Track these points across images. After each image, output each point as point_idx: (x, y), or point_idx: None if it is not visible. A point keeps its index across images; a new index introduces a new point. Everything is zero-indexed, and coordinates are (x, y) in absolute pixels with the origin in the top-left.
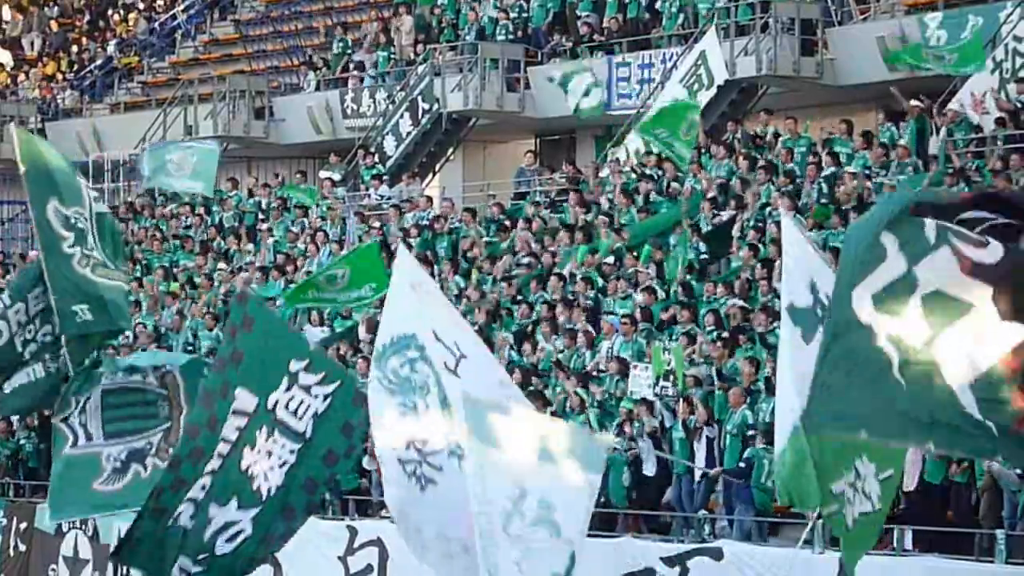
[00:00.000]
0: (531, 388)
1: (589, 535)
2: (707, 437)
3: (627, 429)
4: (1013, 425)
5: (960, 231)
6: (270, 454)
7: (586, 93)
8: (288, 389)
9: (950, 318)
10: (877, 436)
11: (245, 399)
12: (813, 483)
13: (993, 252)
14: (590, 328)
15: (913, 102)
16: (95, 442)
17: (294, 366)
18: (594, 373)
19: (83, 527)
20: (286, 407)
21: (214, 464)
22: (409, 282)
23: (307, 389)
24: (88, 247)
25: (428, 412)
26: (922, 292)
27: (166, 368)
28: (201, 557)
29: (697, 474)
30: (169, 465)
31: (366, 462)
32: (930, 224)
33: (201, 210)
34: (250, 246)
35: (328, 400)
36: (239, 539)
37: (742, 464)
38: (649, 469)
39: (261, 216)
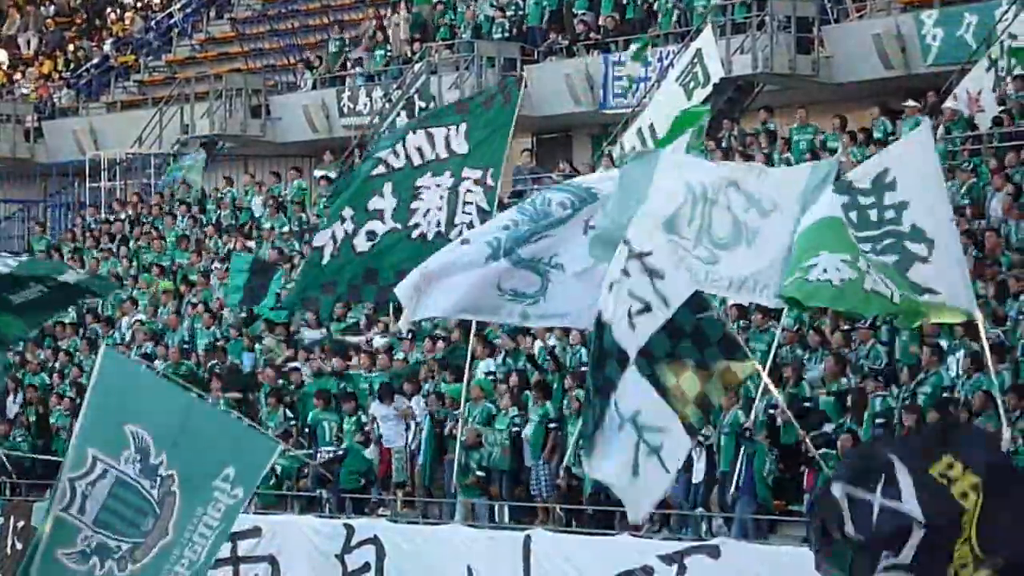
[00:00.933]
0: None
1: (586, 534)
2: (706, 436)
3: None
4: None
5: None
6: (440, 207)
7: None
8: (477, 183)
9: None
10: None
11: (461, 139)
12: None
13: None
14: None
15: (910, 103)
16: (83, 518)
17: (488, 179)
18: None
19: None
20: (466, 192)
21: (411, 152)
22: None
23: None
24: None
25: None
26: None
27: (171, 487)
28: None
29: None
30: None
31: (369, 452)
32: None
33: (196, 208)
34: (251, 243)
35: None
36: (367, 246)
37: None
38: None
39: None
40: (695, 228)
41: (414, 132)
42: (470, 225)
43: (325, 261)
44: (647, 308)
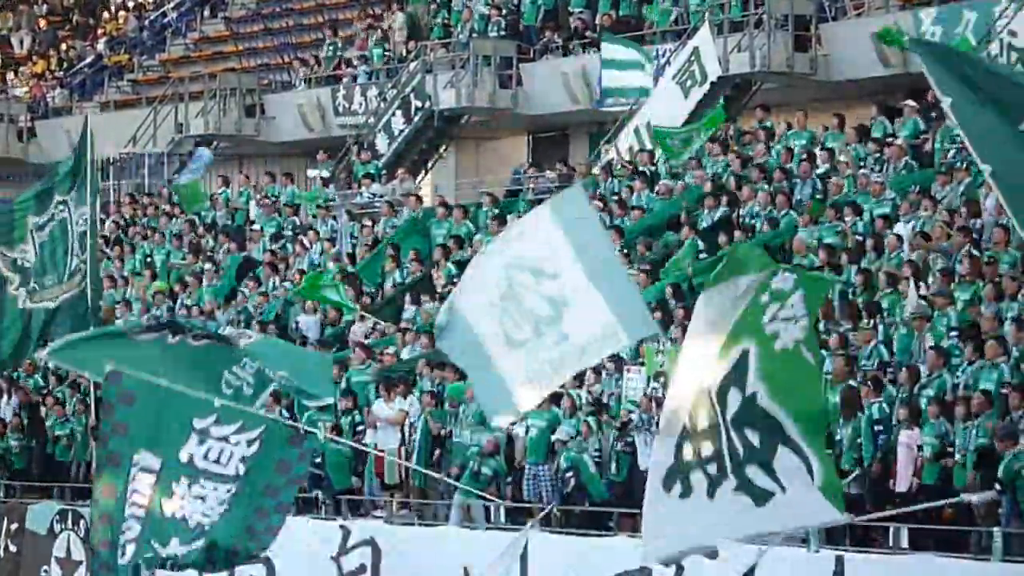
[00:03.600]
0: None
1: (584, 534)
2: None
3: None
4: None
5: None
6: (203, 499)
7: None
8: (201, 443)
9: None
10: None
11: (148, 458)
12: None
13: None
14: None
15: (909, 102)
16: None
17: (199, 423)
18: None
19: (75, 528)
20: (205, 457)
21: (139, 512)
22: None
23: (224, 439)
24: (34, 278)
25: None
26: None
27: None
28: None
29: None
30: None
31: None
32: None
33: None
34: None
35: (257, 443)
36: (196, 552)
37: None
38: (645, 463)
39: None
40: (529, 326)
41: (127, 505)
42: (248, 443)
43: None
44: None
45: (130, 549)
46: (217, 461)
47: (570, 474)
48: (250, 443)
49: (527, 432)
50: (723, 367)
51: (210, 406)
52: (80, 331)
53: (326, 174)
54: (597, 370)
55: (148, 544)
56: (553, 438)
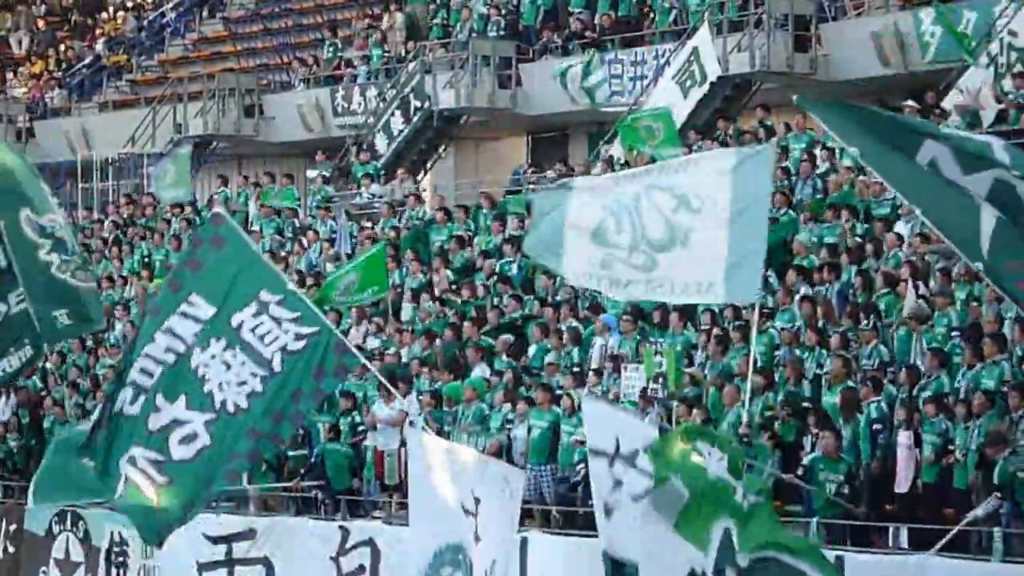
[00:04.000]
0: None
1: (583, 535)
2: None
3: None
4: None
5: None
6: (228, 367)
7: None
8: (257, 315)
9: None
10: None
11: (201, 306)
12: None
13: None
14: (579, 326)
15: (909, 103)
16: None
17: (265, 296)
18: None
19: (74, 529)
20: (252, 330)
21: (161, 355)
22: (425, 465)
23: (278, 321)
24: (69, 252)
25: None
26: None
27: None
28: (158, 458)
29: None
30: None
31: (373, 434)
32: None
33: (189, 209)
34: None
35: (303, 341)
36: (197, 446)
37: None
38: None
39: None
40: (627, 235)
41: (153, 341)
42: (296, 337)
43: (155, 500)
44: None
45: (141, 399)
46: (261, 339)
47: (582, 467)
48: (298, 338)
49: (529, 433)
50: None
51: (282, 286)
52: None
53: (325, 174)
54: (599, 371)
55: (155, 398)
56: (572, 438)
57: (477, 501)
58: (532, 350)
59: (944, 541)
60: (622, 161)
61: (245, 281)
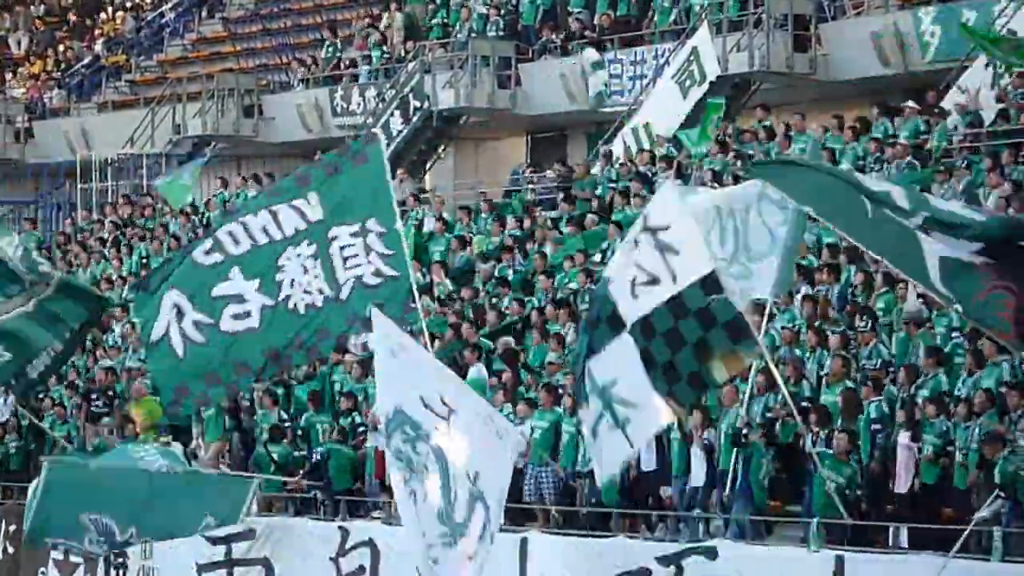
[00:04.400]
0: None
1: (583, 535)
2: (706, 440)
3: None
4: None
5: None
6: (305, 271)
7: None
8: (354, 236)
9: None
10: (824, 216)
11: (315, 208)
12: None
13: None
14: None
15: (910, 103)
16: None
17: (372, 224)
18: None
19: None
20: (341, 249)
21: (256, 231)
22: (389, 349)
23: (368, 251)
24: (23, 283)
25: (427, 499)
26: None
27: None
28: (206, 321)
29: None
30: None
31: (371, 434)
32: None
33: (188, 209)
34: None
35: (380, 280)
36: (245, 325)
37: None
38: (647, 464)
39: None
40: (730, 247)
41: (255, 215)
42: (377, 273)
43: (182, 353)
44: (654, 281)
45: (215, 257)
46: (344, 261)
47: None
48: (377, 274)
49: (531, 433)
50: None
51: (392, 222)
52: None
53: None
54: None
55: (231, 269)
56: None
57: (448, 409)
58: (532, 352)
59: (959, 543)
60: (620, 161)
61: (363, 202)
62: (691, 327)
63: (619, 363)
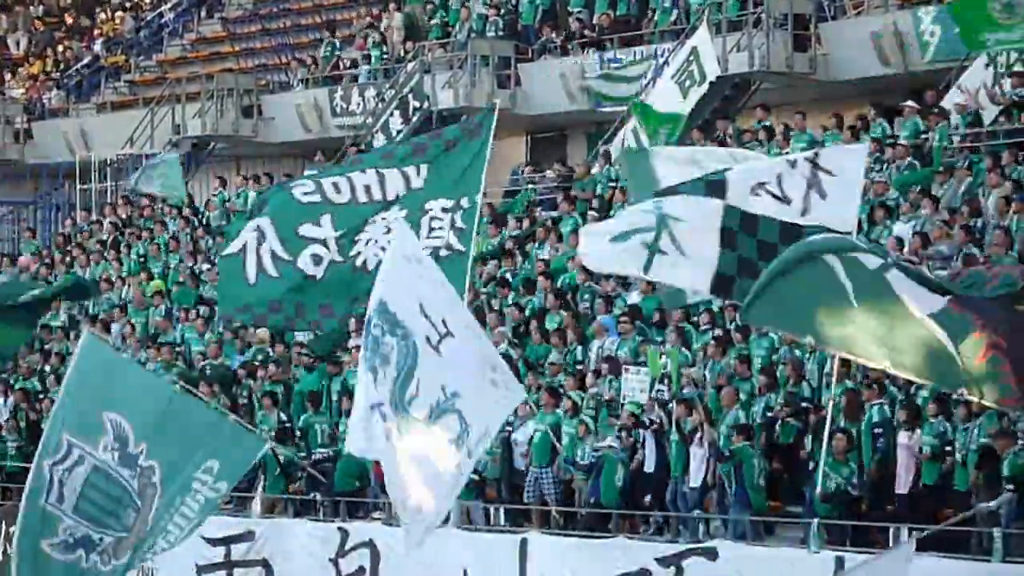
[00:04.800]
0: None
1: (583, 536)
2: (708, 441)
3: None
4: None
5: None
6: (388, 231)
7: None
8: (445, 211)
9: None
10: (824, 344)
11: (420, 177)
12: None
13: None
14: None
15: (909, 103)
16: (63, 507)
17: (464, 202)
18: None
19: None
20: (431, 220)
21: (359, 186)
22: (403, 254)
23: (452, 225)
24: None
25: (384, 381)
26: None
27: (152, 478)
28: (285, 257)
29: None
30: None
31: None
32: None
33: (188, 211)
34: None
35: (449, 253)
36: (316, 272)
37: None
38: (649, 466)
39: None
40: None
41: (363, 171)
42: (448, 247)
43: (253, 279)
44: (784, 200)
45: (316, 197)
46: (430, 232)
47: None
48: (449, 248)
49: (532, 434)
50: None
51: (475, 197)
52: None
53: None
54: (598, 371)
55: (321, 215)
56: (600, 444)
57: (447, 331)
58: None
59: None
60: (616, 164)
61: (464, 179)
62: (787, 258)
63: (692, 211)
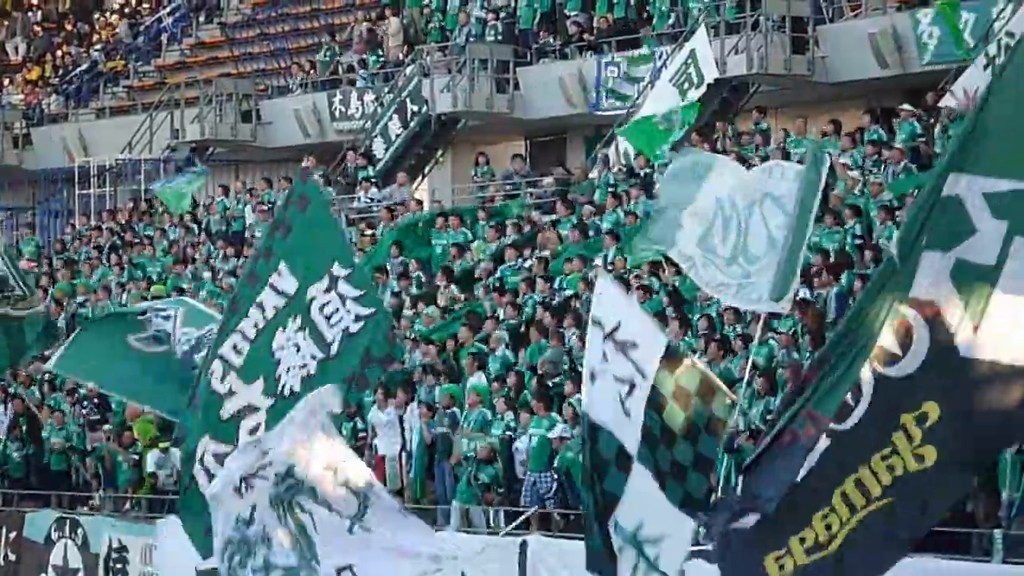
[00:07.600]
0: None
1: (583, 537)
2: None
3: None
4: None
5: None
6: (298, 349)
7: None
8: (327, 291)
9: None
10: None
11: (287, 279)
12: None
13: None
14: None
15: (906, 106)
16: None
17: (336, 270)
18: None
19: (73, 536)
20: (321, 309)
21: (247, 332)
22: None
23: (343, 300)
24: (8, 289)
25: None
26: None
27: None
28: (227, 451)
29: None
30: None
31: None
32: None
33: (187, 216)
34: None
35: (361, 324)
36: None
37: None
38: None
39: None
40: (731, 245)
41: (246, 316)
42: (356, 318)
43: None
44: (632, 387)
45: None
46: (328, 320)
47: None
48: (358, 319)
49: (529, 440)
50: None
51: (350, 259)
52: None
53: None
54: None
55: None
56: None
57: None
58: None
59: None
60: (616, 166)
61: (322, 250)
62: (674, 412)
63: (640, 502)
